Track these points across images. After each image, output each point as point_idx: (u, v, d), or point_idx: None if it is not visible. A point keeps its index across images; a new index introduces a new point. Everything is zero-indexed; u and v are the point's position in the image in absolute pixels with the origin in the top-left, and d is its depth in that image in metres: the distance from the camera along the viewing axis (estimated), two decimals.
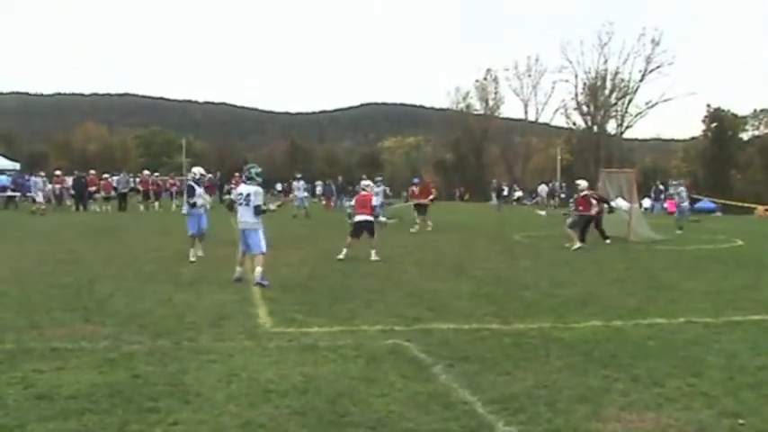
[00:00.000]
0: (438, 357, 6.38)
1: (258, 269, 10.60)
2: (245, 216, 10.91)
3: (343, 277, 11.61)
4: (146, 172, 39.62)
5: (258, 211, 10.81)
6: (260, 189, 10.99)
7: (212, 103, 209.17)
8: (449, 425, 4.71)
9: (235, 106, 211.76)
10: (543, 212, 17.02)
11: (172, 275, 11.54)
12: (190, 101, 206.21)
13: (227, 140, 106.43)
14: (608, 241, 18.35)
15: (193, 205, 13.62)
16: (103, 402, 5.03)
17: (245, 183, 11.37)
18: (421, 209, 23.67)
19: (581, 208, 17.62)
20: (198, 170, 14.31)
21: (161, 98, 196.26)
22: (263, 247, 10.80)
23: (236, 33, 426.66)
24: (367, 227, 14.25)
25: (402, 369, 6.01)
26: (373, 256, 13.82)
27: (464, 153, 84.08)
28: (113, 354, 6.40)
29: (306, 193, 32.56)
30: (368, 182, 15.73)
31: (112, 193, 35.95)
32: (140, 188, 37.09)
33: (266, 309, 8.71)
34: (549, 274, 12.51)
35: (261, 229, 10.90)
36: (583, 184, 18.61)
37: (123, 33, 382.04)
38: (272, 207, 11.66)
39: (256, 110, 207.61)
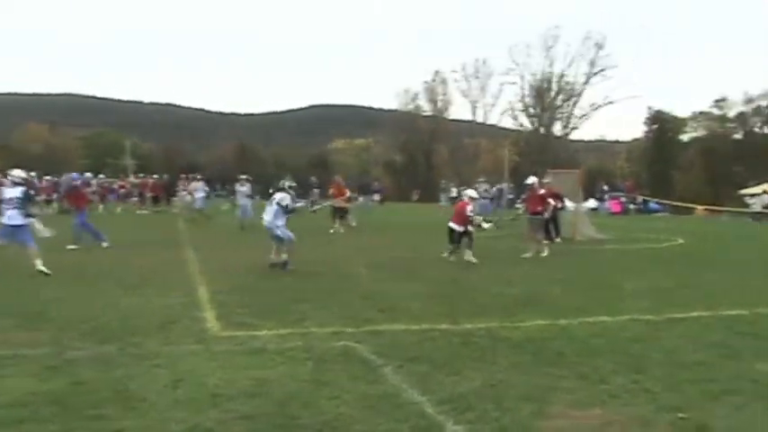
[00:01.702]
0: (388, 358, 6.39)
1: (283, 256, 12.69)
2: (267, 216, 12.87)
3: (293, 279, 11.55)
4: (87, 174, 38.82)
5: (286, 210, 12.78)
6: (286, 195, 12.87)
7: (158, 104, 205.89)
8: (399, 426, 4.72)
9: (181, 107, 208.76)
10: (488, 225, 16.86)
11: (117, 279, 11.30)
12: (135, 101, 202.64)
13: (174, 142, 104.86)
14: (558, 240, 18.55)
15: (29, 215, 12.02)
16: (43, 410, 4.89)
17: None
18: (339, 211, 23.24)
19: (539, 208, 17.07)
20: (18, 173, 12.56)
21: (104, 98, 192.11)
22: (289, 237, 12.71)
23: (182, 32, 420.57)
24: (456, 234, 14.31)
25: (352, 371, 6.01)
26: (466, 257, 14.14)
27: (413, 154, 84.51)
28: (55, 361, 6.23)
29: (205, 195, 30.43)
30: (470, 190, 15.68)
31: (53, 195, 35.07)
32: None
33: (214, 312, 8.59)
34: (498, 274, 12.65)
35: (279, 228, 12.65)
36: (533, 179, 18.40)
37: (64, 31, 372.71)
38: (303, 206, 14.57)
39: (204, 111, 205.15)
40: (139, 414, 4.86)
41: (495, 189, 51.96)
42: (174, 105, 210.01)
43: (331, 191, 24.43)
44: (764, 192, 40.75)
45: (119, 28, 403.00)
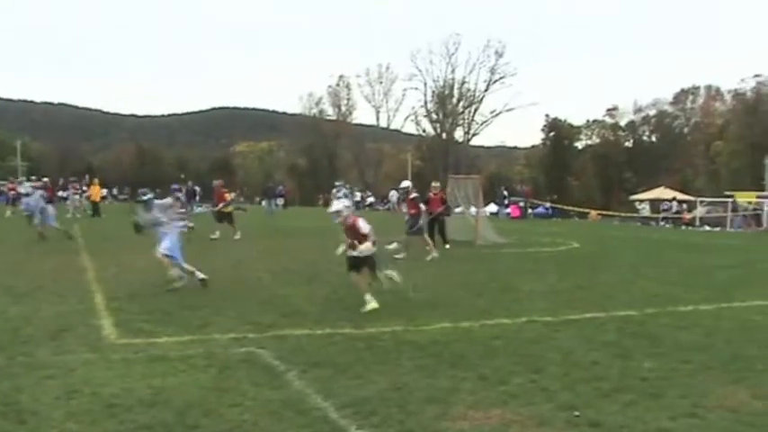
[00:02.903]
0: (292, 364, 6.34)
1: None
2: None
3: (194, 285, 11.28)
4: None
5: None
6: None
7: (51, 104, 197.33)
8: (302, 431, 4.70)
9: (76, 107, 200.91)
10: (394, 245, 16.29)
11: (6, 287, 10.73)
12: (26, 100, 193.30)
13: (68, 143, 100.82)
14: (447, 246, 18.46)
15: None
16: None
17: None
18: (221, 216, 22.01)
19: (413, 211, 17.19)
20: None
21: None
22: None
23: (76, 30, 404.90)
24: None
25: (255, 377, 5.93)
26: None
27: (317, 158, 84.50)
28: None
29: (40, 201, 23.37)
30: (342, 199, 11.29)
31: None
32: None
33: (111, 319, 8.30)
34: (402, 277, 12.73)
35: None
36: (406, 183, 18.50)
37: None
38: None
39: (100, 111, 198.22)
40: (30, 428, 4.64)
41: (398, 193, 52.53)
42: (69, 105, 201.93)
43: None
44: (674, 198, 43.09)
45: (8, 24, 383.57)
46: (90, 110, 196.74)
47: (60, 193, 42.87)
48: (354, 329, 8.01)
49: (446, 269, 14.35)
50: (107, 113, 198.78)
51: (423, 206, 17.47)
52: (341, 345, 7.24)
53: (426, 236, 17.13)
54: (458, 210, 22.44)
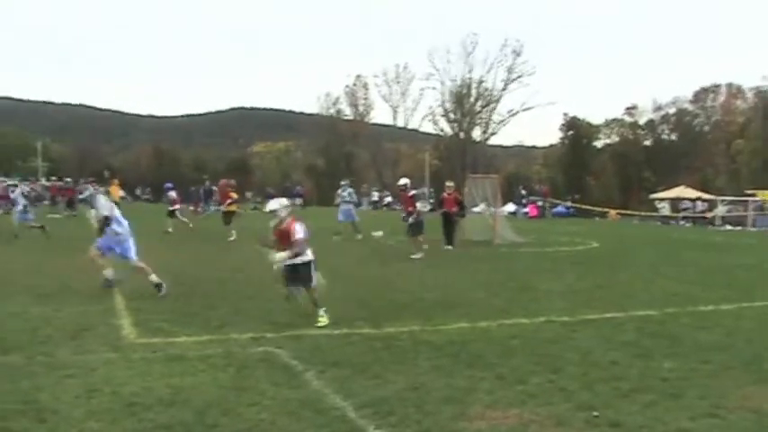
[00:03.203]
0: (310, 363, 6.36)
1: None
2: None
3: (213, 285, 11.35)
4: None
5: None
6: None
7: (71, 105, 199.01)
8: (320, 431, 4.70)
9: (96, 108, 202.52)
10: (380, 233, 15.92)
11: (27, 287, 10.81)
12: (46, 102, 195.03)
13: (88, 144, 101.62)
14: (450, 247, 18.38)
15: None
16: None
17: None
18: (225, 217, 21.85)
19: (410, 209, 16.97)
20: None
21: (10, 98, 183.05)
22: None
23: (95, 31, 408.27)
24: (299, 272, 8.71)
25: (273, 376, 5.95)
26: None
27: (334, 158, 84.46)
28: None
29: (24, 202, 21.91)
30: (273, 201, 9.53)
31: None
32: None
33: (131, 319, 8.36)
34: (419, 277, 12.75)
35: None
36: (404, 181, 18.19)
37: None
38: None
39: (120, 112, 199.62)
40: (50, 427, 4.68)
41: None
42: (88, 106, 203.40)
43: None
44: (698, 198, 42.89)
45: (28, 25, 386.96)
46: (110, 111, 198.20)
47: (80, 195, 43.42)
48: (372, 329, 8.01)
49: (464, 268, 14.32)
50: (126, 114, 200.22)
51: (418, 204, 17.34)
52: (358, 345, 7.25)
53: (419, 236, 16.85)
54: (476, 209, 22.44)
